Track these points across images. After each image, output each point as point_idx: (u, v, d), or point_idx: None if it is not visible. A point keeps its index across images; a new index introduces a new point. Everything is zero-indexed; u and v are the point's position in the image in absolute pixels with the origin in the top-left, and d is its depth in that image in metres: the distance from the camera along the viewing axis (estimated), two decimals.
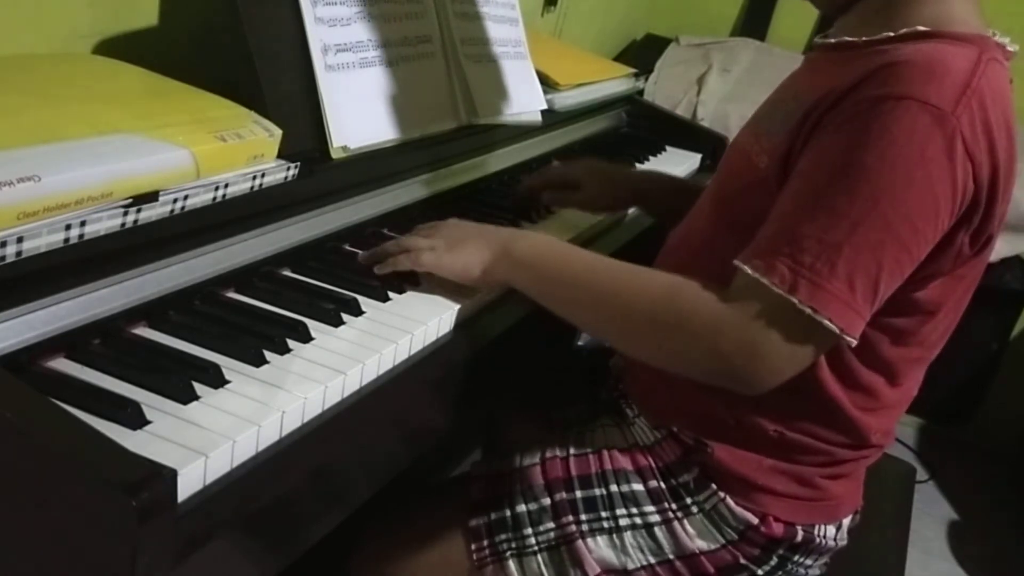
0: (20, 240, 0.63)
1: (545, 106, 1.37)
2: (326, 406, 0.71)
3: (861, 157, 0.71)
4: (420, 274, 0.91)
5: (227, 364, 0.70)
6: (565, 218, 1.19)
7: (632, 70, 1.82)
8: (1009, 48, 0.80)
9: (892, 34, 0.79)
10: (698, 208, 0.97)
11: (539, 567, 0.92)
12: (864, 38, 0.81)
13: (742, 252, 0.76)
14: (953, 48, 0.74)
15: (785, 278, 0.72)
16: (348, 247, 0.97)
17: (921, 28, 0.77)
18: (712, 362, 0.76)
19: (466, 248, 0.89)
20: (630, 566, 0.91)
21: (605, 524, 0.91)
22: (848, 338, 0.72)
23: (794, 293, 0.71)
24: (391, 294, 0.87)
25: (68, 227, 0.66)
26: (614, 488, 0.92)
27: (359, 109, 1.00)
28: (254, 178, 0.82)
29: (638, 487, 0.92)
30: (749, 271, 0.74)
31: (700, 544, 0.90)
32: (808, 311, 0.71)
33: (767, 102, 0.92)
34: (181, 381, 0.65)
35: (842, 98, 0.74)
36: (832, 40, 0.86)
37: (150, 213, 0.73)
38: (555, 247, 0.89)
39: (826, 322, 0.71)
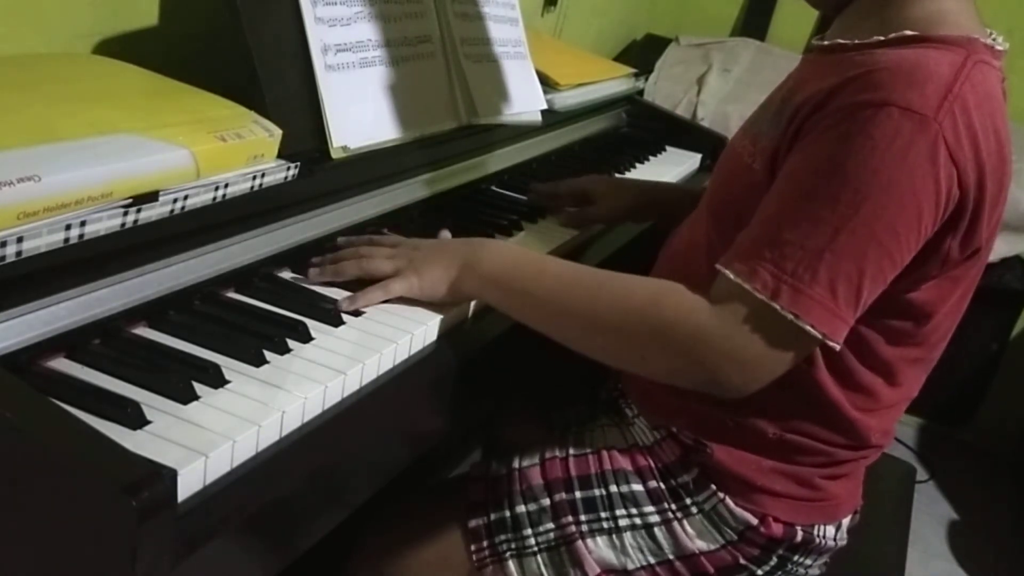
0: (20, 240, 0.63)
1: (545, 106, 1.37)
2: (326, 406, 0.71)
3: (843, 163, 0.71)
4: None
5: (227, 364, 0.70)
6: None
7: (632, 70, 1.82)
8: (998, 47, 0.79)
9: (882, 38, 0.78)
10: (696, 213, 0.97)
11: (539, 567, 0.92)
12: (855, 40, 0.81)
13: (724, 256, 0.76)
14: (937, 53, 0.74)
15: (767, 284, 0.72)
16: None
17: (909, 32, 0.77)
18: (696, 369, 0.76)
19: (432, 267, 0.85)
20: (630, 566, 0.91)
21: (605, 524, 0.91)
22: (831, 343, 0.73)
23: (776, 299, 0.71)
24: None
25: (68, 227, 0.66)
26: (613, 488, 0.92)
27: (359, 109, 1.00)
28: (254, 178, 0.82)
29: (638, 487, 0.92)
30: (731, 276, 0.74)
31: (700, 544, 0.90)
32: (790, 317, 0.71)
33: (761, 104, 0.92)
34: (181, 381, 0.65)
35: (824, 102, 0.74)
36: (826, 42, 0.86)
37: (150, 213, 0.73)
38: (524, 259, 0.86)
39: (808, 328, 0.71)
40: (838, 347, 0.73)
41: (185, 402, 0.64)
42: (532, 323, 0.84)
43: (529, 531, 0.93)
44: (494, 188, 1.25)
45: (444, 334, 0.86)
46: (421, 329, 0.82)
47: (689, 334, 0.75)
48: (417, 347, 0.82)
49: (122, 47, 0.97)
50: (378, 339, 0.79)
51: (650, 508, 0.91)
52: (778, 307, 0.71)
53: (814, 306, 0.71)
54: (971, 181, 0.73)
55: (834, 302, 0.71)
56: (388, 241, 0.91)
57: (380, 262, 0.87)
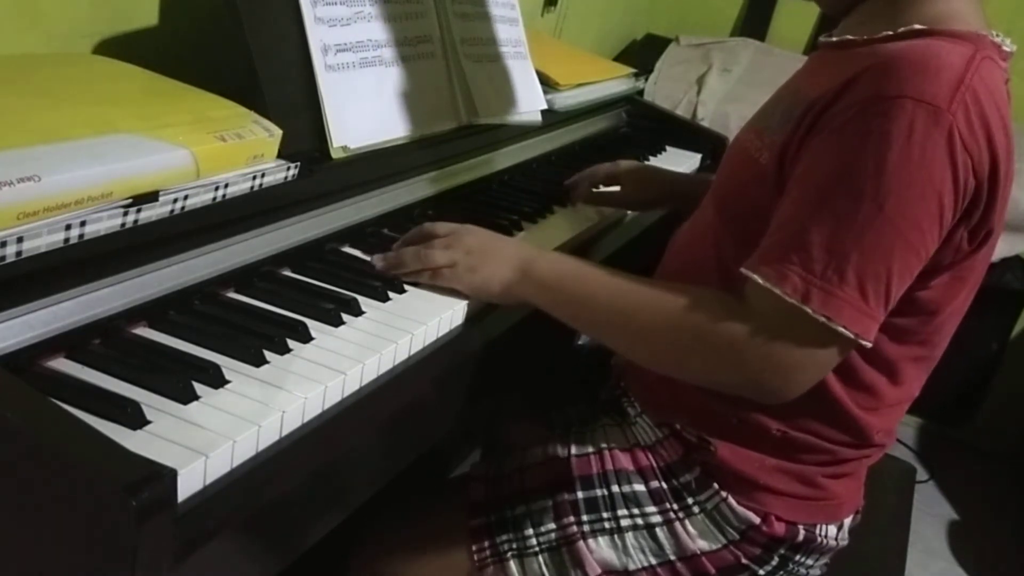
0: (20, 240, 0.63)
1: (545, 106, 1.37)
2: (326, 406, 0.71)
3: (863, 161, 0.71)
4: None
5: (227, 364, 0.70)
6: (566, 218, 1.19)
7: (632, 70, 1.82)
8: (1006, 48, 0.80)
9: (892, 32, 0.79)
10: (702, 208, 0.97)
11: (540, 568, 0.92)
12: (865, 36, 0.81)
13: (749, 259, 0.76)
14: (948, 45, 0.74)
15: (797, 287, 0.72)
16: (348, 247, 0.97)
17: (918, 26, 0.77)
18: (735, 376, 0.77)
19: (486, 266, 0.88)
20: (631, 567, 0.91)
21: (606, 525, 0.91)
22: (864, 342, 0.73)
23: (807, 302, 0.72)
24: (391, 294, 0.87)
25: (68, 227, 0.66)
26: (615, 489, 0.92)
27: (359, 109, 1.00)
28: (254, 178, 0.82)
29: (639, 487, 0.92)
30: (760, 280, 0.74)
31: (701, 544, 0.90)
32: (822, 319, 0.72)
33: (770, 100, 0.92)
34: (181, 381, 0.65)
35: (837, 98, 0.74)
36: (835, 39, 0.86)
37: (150, 213, 0.73)
38: (573, 267, 0.88)
39: (841, 329, 0.72)
40: (870, 345, 0.74)
41: (185, 402, 0.64)
42: (578, 326, 0.87)
43: (530, 531, 0.93)
44: (494, 188, 1.25)
45: (444, 334, 0.86)
46: (421, 329, 0.82)
47: (723, 339, 0.76)
48: (417, 347, 0.82)
49: (122, 47, 0.97)
50: (378, 339, 0.79)
51: (652, 508, 0.91)
52: (810, 310, 0.72)
53: (845, 307, 0.71)
54: (985, 170, 0.73)
55: (864, 302, 0.72)
56: (443, 229, 0.92)
57: (437, 253, 0.89)
